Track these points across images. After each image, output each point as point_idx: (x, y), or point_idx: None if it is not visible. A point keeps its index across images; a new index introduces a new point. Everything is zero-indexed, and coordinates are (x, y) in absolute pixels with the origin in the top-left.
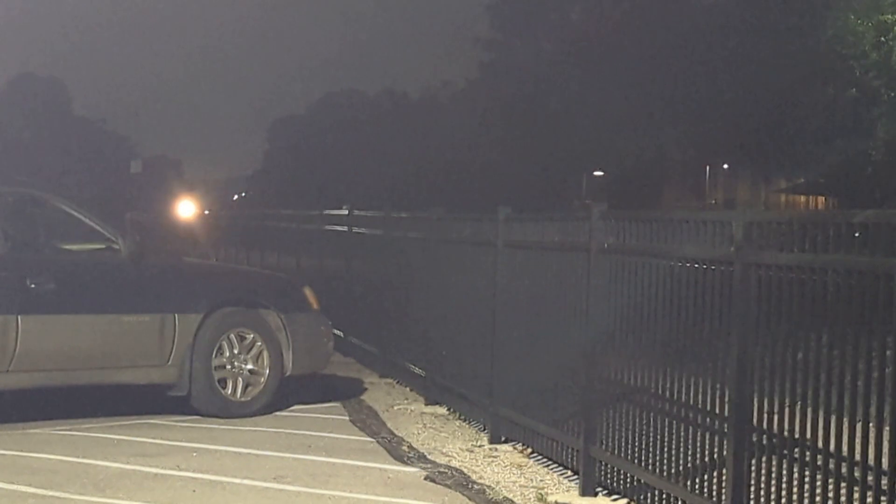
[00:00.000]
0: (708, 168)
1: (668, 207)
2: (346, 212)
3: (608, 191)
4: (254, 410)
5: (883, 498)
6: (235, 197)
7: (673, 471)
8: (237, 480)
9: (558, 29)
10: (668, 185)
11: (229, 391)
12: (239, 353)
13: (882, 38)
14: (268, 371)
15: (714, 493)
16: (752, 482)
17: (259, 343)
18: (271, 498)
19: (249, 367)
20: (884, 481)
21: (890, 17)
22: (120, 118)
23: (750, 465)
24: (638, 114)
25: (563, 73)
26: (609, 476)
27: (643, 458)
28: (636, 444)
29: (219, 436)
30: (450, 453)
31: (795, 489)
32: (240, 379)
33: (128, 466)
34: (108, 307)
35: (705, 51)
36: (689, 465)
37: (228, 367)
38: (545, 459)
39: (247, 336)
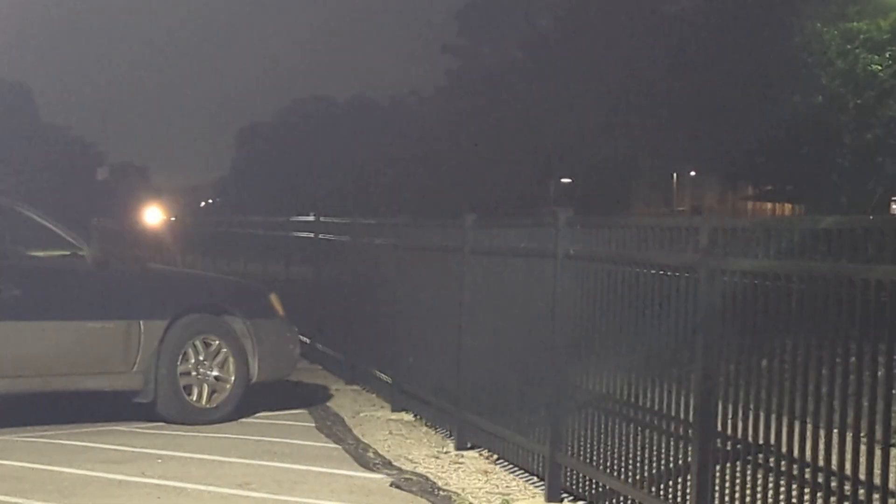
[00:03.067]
0: (675, 175)
1: (636, 214)
2: (313, 218)
3: (576, 198)
4: (219, 417)
5: (846, 503)
6: (202, 204)
7: (638, 476)
8: (202, 487)
9: (526, 36)
10: (635, 193)
11: (195, 398)
12: (204, 359)
13: (848, 46)
14: (233, 378)
15: (679, 498)
16: (717, 488)
17: (225, 349)
18: None
19: (215, 373)
20: (847, 487)
21: (856, 24)
22: (87, 125)
23: (715, 471)
24: (605, 121)
25: (531, 80)
26: (575, 482)
27: (609, 463)
28: (602, 450)
29: (184, 442)
30: (416, 460)
31: (760, 495)
32: (205, 385)
33: (93, 473)
34: (73, 314)
35: (672, 59)
36: (655, 470)
37: (194, 373)
38: (511, 466)
39: (212, 342)
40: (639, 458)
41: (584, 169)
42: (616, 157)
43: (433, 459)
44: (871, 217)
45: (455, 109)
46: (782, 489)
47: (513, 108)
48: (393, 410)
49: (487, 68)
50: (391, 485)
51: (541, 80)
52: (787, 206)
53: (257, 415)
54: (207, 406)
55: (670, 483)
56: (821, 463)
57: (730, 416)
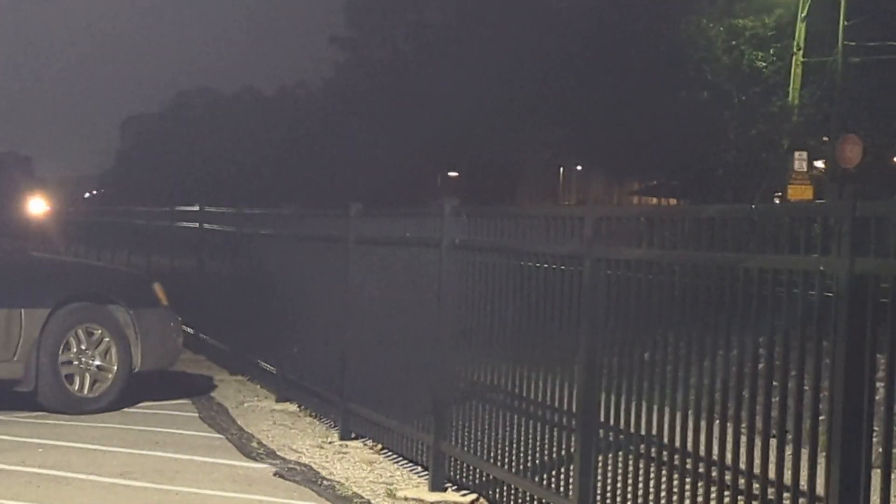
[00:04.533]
0: (562, 169)
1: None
2: (198, 208)
3: (463, 190)
4: (101, 407)
5: (726, 493)
6: (87, 195)
7: (522, 466)
8: (83, 476)
9: (415, 28)
10: (522, 186)
11: (76, 387)
12: (87, 348)
13: (734, 42)
14: (116, 367)
15: (562, 487)
16: (600, 476)
17: (107, 339)
18: (117, 494)
19: (97, 362)
20: (728, 476)
21: (741, 21)
22: None
23: (597, 460)
24: (493, 115)
25: (418, 72)
26: (459, 471)
27: (493, 453)
28: (486, 439)
29: (65, 432)
30: (300, 450)
31: (641, 483)
32: (87, 375)
33: None
34: None
35: (560, 54)
36: (538, 460)
37: (76, 362)
38: (395, 456)
39: (95, 331)
40: (523, 448)
41: (470, 163)
42: (503, 151)
43: (317, 449)
44: (752, 206)
45: (342, 101)
46: (664, 478)
47: (400, 100)
48: (277, 401)
49: (375, 60)
50: (274, 474)
51: (428, 72)
52: (673, 201)
53: (140, 405)
54: (89, 395)
55: (554, 472)
56: (702, 453)
57: (612, 406)
